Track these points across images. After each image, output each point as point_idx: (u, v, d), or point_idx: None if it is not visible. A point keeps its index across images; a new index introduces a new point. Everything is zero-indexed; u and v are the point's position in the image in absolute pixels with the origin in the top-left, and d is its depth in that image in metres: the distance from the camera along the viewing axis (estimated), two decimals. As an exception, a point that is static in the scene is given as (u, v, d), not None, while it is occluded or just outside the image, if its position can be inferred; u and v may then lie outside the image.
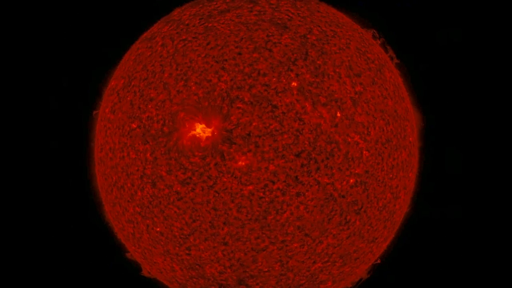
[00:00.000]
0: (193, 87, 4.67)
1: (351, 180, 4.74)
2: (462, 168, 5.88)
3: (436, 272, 5.90)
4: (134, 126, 4.80)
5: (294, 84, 4.63)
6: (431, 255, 5.91)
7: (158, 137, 4.71)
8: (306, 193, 4.64)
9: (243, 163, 4.57)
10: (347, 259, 5.07)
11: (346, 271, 5.19)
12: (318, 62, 4.75)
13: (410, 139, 5.26)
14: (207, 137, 4.61)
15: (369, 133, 4.80)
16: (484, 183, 5.87)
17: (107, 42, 5.90)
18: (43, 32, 5.95)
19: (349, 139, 4.71)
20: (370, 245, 5.16)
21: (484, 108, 5.89)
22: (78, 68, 5.95)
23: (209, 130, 4.61)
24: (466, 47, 5.90)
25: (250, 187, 4.59)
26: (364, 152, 4.78)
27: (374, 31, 5.42)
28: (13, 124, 5.94)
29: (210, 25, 4.89)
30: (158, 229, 4.85)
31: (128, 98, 4.89)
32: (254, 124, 4.57)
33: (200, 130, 4.62)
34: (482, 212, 5.88)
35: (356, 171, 4.75)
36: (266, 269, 4.88)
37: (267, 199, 4.63)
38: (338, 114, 4.68)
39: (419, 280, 5.91)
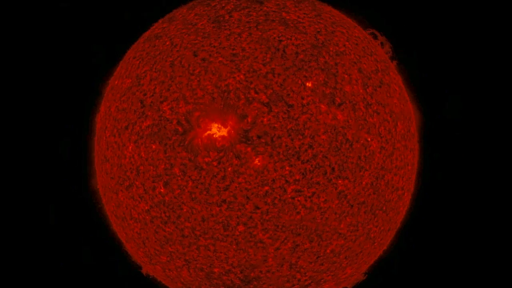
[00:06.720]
0: (208, 87, 4.64)
1: (364, 182, 4.75)
2: (462, 168, 5.93)
3: (436, 272, 5.94)
4: (146, 125, 4.75)
5: (308, 84, 4.63)
6: (431, 255, 5.94)
7: (172, 136, 4.67)
8: (321, 194, 4.64)
9: (259, 163, 4.55)
10: (353, 259, 5.09)
11: (349, 271, 5.21)
12: (330, 63, 4.75)
13: (414, 140, 5.29)
14: (223, 137, 4.58)
15: (380, 134, 4.82)
16: (484, 183, 5.92)
17: (107, 42, 5.87)
18: (43, 31, 5.91)
19: (362, 140, 4.72)
20: (374, 246, 5.18)
21: (484, 108, 5.93)
22: (78, 68, 5.91)
23: (225, 130, 4.58)
24: (466, 46, 5.94)
25: (266, 188, 4.58)
26: (376, 153, 4.79)
27: (374, 31, 5.43)
28: (13, 124, 5.89)
29: (218, 24, 4.87)
30: (167, 229, 4.81)
31: (139, 97, 4.84)
32: (270, 124, 4.56)
33: (216, 129, 4.59)
34: (482, 212, 5.92)
35: (368, 173, 4.76)
36: (275, 270, 4.87)
37: (282, 199, 4.62)
38: (352, 115, 4.69)
39: (419, 280, 5.94)
